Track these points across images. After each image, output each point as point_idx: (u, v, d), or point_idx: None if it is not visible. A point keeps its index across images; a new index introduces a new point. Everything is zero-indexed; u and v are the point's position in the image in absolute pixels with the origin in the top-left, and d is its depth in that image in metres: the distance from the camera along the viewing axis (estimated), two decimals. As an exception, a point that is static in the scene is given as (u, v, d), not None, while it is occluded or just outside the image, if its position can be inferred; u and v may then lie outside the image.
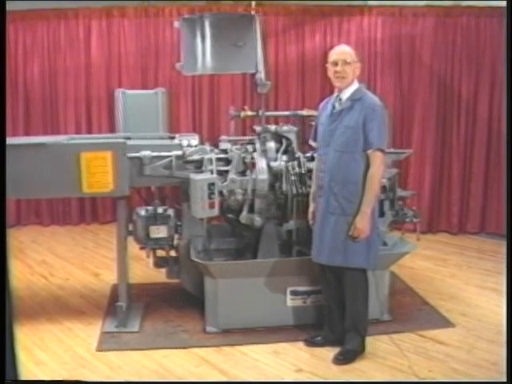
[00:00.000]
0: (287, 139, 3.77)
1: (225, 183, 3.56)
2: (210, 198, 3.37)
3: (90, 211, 6.29)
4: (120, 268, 3.61)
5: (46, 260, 5.03)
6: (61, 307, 3.96)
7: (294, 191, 3.54)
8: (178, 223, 3.69)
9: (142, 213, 3.61)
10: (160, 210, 3.61)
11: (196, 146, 3.61)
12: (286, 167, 3.59)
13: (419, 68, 5.85)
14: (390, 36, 5.90)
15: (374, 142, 3.00)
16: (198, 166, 3.57)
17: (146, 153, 3.47)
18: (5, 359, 2.32)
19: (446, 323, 3.68)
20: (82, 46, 5.99)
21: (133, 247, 3.74)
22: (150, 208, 3.62)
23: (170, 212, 3.64)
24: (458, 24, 5.75)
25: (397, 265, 3.90)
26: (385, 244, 3.77)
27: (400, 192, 3.83)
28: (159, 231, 3.57)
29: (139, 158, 3.48)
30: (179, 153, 3.53)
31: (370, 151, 3.01)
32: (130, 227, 3.68)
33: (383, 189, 3.62)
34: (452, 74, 5.83)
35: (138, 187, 3.73)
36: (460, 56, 5.78)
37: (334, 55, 3.11)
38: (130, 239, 3.70)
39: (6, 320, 1.29)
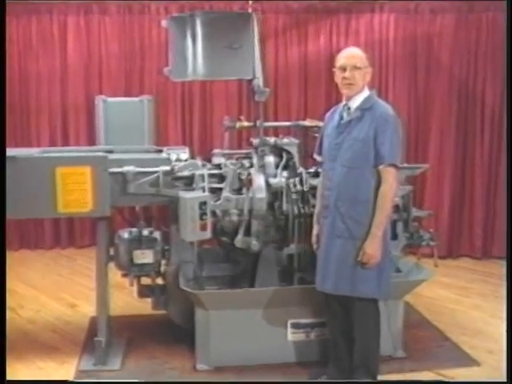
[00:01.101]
0: (288, 153, 3.81)
1: (218, 202, 3.60)
2: (201, 218, 3.40)
3: (65, 234, 6.32)
4: (99, 298, 3.63)
5: (15, 289, 5.02)
6: (31, 343, 3.97)
7: (296, 211, 3.58)
8: (166, 247, 3.73)
9: (125, 235, 3.64)
10: (145, 232, 3.66)
11: (186, 161, 3.66)
12: (287, 184, 3.63)
13: (437, 72, 5.95)
14: (404, 36, 6.00)
15: (386, 157, 3.04)
16: (189, 182, 3.61)
17: (130, 168, 3.52)
18: (5, 359, 2.44)
19: (469, 361, 3.69)
20: (56, 46, 6.03)
21: (114, 274, 3.76)
22: (134, 230, 3.66)
23: (157, 235, 3.68)
24: (482, 20, 5.83)
25: (412, 294, 3.92)
26: (398, 270, 3.81)
27: (415, 212, 3.87)
28: (144, 256, 3.61)
29: (122, 174, 3.52)
30: (167, 168, 3.57)
31: (381, 166, 3.05)
32: (112, 252, 3.71)
33: (396, 208, 3.65)
34: (475, 79, 5.92)
35: (120, 207, 3.76)
36: (484, 58, 5.86)
37: (341, 59, 3.15)
38: (112, 265, 3.73)
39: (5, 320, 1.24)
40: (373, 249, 3.05)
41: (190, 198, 3.41)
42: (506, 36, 4.62)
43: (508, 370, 2.07)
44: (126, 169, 3.52)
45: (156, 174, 3.55)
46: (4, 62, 4.21)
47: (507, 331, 2.05)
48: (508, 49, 4.26)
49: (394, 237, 3.70)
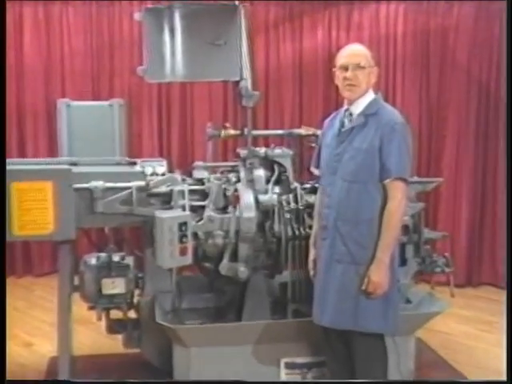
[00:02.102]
0: (280, 166, 3.86)
1: (200, 223, 3.62)
2: (181, 241, 3.42)
3: (21, 260, 6.31)
4: (61, 335, 3.63)
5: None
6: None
7: (290, 233, 3.62)
8: (140, 275, 3.76)
9: (92, 262, 3.66)
10: (116, 257, 3.68)
11: (163, 175, 3.70)
12: (280, 202, 3.68)
13: (453, 72, 6.04)
14: (414, 30, 6.08)
15: (393, 170, 3.08)
16: (166, 200, 3.64)
17: (98, 183, 3.54)
18: (5, 359, 2.58)
19: (490, 407, 3.73)
20: (11, 41, 6.00)
21: (79, 307, 3.76)
22: (102, 255, 3.68)
23: (129, 260, 3.70)
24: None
25: (425, 329, 3.94)
26: (408, 301, 3.84)
27: (428, 233, 3.91)
28: (115, 286, 3.62)
29: (89, 190, 3.54)
30: (141, 183, 3.60)
31: (387, 181, 3.08)
32: (76, 281, 3.71)
33: (405, 229, 3.69)
34: (497, 80, 5.96)
35: (86, 228, 3.78)
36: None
37: (342, 57, 3.19)
38: (76, 296, 3.72)
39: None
40: (379, 276, 3.07)
41: (167, 217, 3.44)
42: (507, 36, 4.77)
43: (508, 370, 2.18)
44: (93, 184, 3.54)
45: (128, 191, 3.58)
46: (4, 62, 4.26)
47: (507, 331, 2.23)
48: (508, 49, 4.36)
49: (403, 262, 3.73)
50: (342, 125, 3.25)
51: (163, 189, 3.65)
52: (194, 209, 3.64)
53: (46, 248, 6.13)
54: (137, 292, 3.80)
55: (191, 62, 3.74)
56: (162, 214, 3.47)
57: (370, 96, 3.21)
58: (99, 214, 3.56)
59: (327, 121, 3.43)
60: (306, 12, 6.21)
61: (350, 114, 3.22)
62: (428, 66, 6.11)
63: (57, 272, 3.74)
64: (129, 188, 3.58)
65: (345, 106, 3.27)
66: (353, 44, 3.39)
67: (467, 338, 4.79)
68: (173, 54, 3.73)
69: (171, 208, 3.60)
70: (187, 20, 3.73)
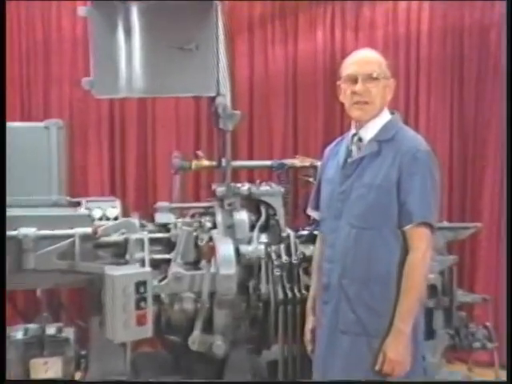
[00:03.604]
0: (269, 207, 3.92)
1: (164, 282, 3.65)
2: (138, 307, 3.42)
3: None
4: None
5: None
6: None
7: (281, 295, 3.67)
8: (82, 353, 3.75)
9: (18, 336, 3.65)
10: (50, 329, 3.67)
11: (116, 219, 3.77)
12: (268, 254, 3.73)
13: (493, 82, 6.00)
14: (444, 28, 6.08)
15: (415, 212, 3.07)
16: (120, 252, 3.69)
17: (29, 231, 3.54)
18: (5, 359, 2.79)
19: None
20: None
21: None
22: (32, 327, 3.68)
23: (68, 333, 3.70)
24: None
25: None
26: (437, 386, 3.85)
27: (462, 296, 3.95)
28: (48, 368, 3.60)
29: (17, 240, 3.53)
30: (87, 230, 3.61)
31: (408, 227, 3.08)
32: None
33: (432, 290, 3.71)
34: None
35: (12, 290, 3.75)
36: None
37: (350, 67, 3.21)
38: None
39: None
40: (397, 352, 3.04)
41: (120, 275, 3.45)
42: (507, 36, 4.90)
43: (508, 370, 2.37)
44: (22, 231, 3.54)
45: (69, 240, 3.59)
46: (4, 62, 4.35)
47: (507, 330, 2.25)
48: (508, 49, 4.50)
49: (430, 334, 3.73)
50: (349, 154, 3.26)
51: (116, 237, 3.69)
52: (155, 263, 3.70)
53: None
54: (78, 374, 3.77)
55: (153, 72, 3.78)
56: (113, 271, 3.51)
57: (386, 116, 3.24)
58: (30, 272, 3.54)
59: (329, 149, 3.46)
60: (301, 7, 6.19)
61: (360, 140, 3.24)
62: (461, 74, 6.10)
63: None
64: (70, 236, 3.59)
65: (352, 130, 3.29)
66: (363, 49, 3.40)
67: None
68: (129, 62, 3.77)
69: (126, 263, 3.64)
70: (148, 18, 3.78)
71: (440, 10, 6.09)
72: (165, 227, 3.85)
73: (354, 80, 3.16)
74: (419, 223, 3.08)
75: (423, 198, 3.09)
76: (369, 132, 3.22)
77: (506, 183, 4.97)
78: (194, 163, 4.14)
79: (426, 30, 6.12)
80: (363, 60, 3.22)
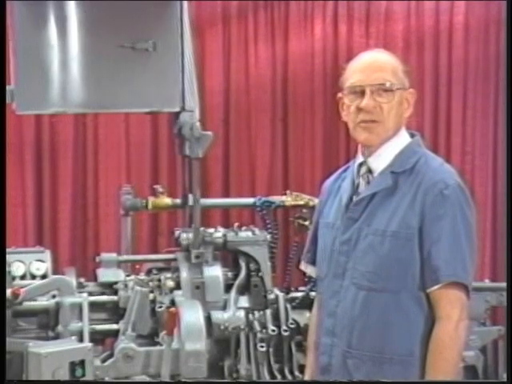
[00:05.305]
0: (250, 260, 3.81)
1: (110, 362, 3.48)
2: (73, 394, 3.29)
3: None
4: None
5: None
6: None
7: (267, 378, 3.57)
8: None
9: None
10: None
11: (44, 277, 3.70)
12: (249, 324, 3.65)
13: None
14: (486, 22, 5.76)
15: (444, 268, 2.79)
16: (49, 322, 3.62)
17: None
18: (5, 359, 2.95)
19: None
20: None
21: None
22: None
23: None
24: None
25: None
26: None
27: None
28: None
29: None
30: (6, 293, 3.48)
31: (435, 288, 2.80)
32: None
33: (470, 373, 3.42)
34: None
35: None
36: None
37: (355, 74, 2.93)
38: None
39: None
40: None
41: (49, 353, 3.28)
42: (506, 36, 5.05)
43: (508, 370, 2.60)
44: None
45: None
46: (4, 62, 4.12)
47: (507, 330, 2.80)
48: (508, 50, 4.55)
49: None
50: (355, 190, 3.01)
51: (44, 302, 3.63)
52: (98, 337, 3.65)
53: None
54: None
55: (95, 80, 3.80)
56: (39, 349, 3.34)
57: (403, 140, 2.98)
58: None
59: (329, 183, 3.23)
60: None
61: (369, 172, 2.99)
62: (510, 80, 5.67)
63: None
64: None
65: (359, 158, 3.03)
66: (373, 50, 3.17)
67: None
68: (63, 67, 3.57)
69: (57, 337, 3.54)
70: (90, 10, 3.57)
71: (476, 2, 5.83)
72: (111, 287, 3.73)
73: (359, 92, 2.91)
74: (449, 283, 2.82)
75: (454, 249, 2.84)
76: (381, 161, 2.97)
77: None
78: (151, 201, 3.95)
79: (462, 25, 5.84)
80: (372, 65, 2.95)
